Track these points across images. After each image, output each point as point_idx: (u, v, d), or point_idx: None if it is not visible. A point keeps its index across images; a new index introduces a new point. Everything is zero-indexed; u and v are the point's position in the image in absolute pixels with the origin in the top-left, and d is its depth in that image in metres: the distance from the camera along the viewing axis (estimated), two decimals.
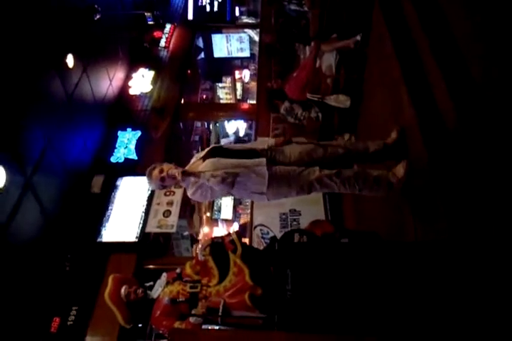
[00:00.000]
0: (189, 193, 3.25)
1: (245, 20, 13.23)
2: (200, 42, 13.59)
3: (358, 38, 5.08)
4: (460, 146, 2.68)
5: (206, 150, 3.37)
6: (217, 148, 3.37)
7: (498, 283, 2.08)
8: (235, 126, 15.10)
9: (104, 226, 7.18)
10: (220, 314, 2.55)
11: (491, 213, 2.25)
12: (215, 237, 3.08)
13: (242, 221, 13.81)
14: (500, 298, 2.05)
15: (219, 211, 14.55)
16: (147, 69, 9.43)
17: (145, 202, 7.45)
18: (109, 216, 7.32)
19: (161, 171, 3.12)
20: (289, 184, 3.16)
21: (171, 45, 10.56)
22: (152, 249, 7.43)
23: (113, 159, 8.07)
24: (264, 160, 3.20)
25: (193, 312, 2.66)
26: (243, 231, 9.09)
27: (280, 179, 3.15)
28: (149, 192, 7.53)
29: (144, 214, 7.31)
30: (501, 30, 2.50)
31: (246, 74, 15.74)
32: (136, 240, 7.02)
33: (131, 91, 9.17)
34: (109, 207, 7.43)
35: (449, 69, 3.01)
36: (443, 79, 3.02)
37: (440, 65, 3.12)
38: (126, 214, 7.34)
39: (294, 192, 3.22)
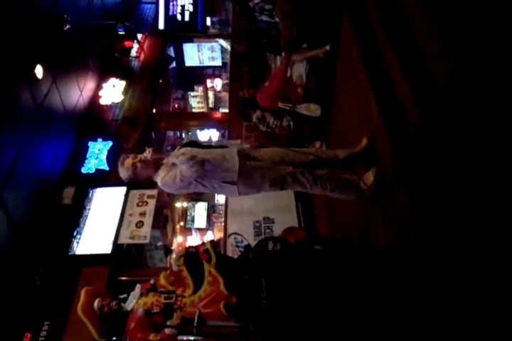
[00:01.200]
0: (159, 179, 3.17)
1: (216, 30, 13.29)
2: (172, 52, 13.57)
3: (328, 47, 5.18)
4: (426, 153, 2.76)
5: (180, 145, 3.47)
6: (191, 143, 3.46)
7: (467, 286, 2.14)
8: (208, 135, 15.10)
9: (77, 239, 7.06)
10: (195, 324, 2.55)
11: (458, 219, 2.32)
12: (190, 247, 3.08)
13: (216, 235, 13.72)
14: (474, 300, 2.11)
15: (192, 221, 14.47)
16: (118, 79, 9.38)
17: (119, 213, 7.35)
18: (81, 228, 7.21)
19: (134, 157, 3.20)
20: (263, 175, 3.19)
21: (142, 55, 10.53)
22: (125, 260, 7.34)
23: (84, 170, 7.97)
24: (235, 149, 3.26)
25: (168, 323, 2.64)
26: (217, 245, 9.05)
27: (253, 169, 3.19)
28: (122, 202, 7.45)
29: (117, 224, 7.23)
30: (468, 45, 2.60)
31: (218, 83, 15.79)
32: (111, 252, 6.92)
33: (102, 102, 9.09)
34: (81, 219, 7.32)
35: (415, 78, 3.10)
36: (410, 91, 3.11)
37: (405, 73, 3.21)
38: (100, 226, 7.24)
39: (267, 185, 3.22)
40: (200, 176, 3.13)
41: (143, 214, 7.34)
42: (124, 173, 3.24)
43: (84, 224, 7.26)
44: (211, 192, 3.33)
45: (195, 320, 2.57)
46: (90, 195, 7.63)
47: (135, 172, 3.20)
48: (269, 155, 3.37)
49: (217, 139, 15.16)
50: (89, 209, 7.46)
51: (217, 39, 13.57)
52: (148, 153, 3.19)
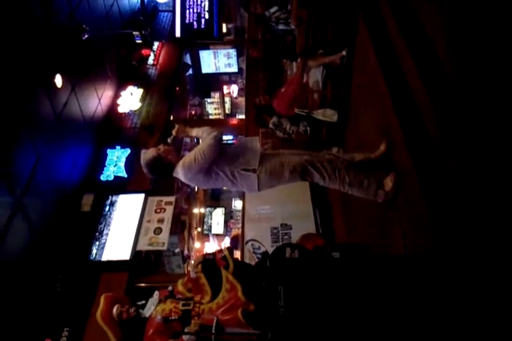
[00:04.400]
0: (180, 165, 3.22)
1: (232, 36, 13.37)
2: (188, 59, 13.68)
3: (344, 52, 5.17)
4: (443, 157, 2.73)
5: None
6: None
7: (486, 296, 2.10)
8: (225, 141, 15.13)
9: (96, 245, 7.13)
10: (213, 331, 2.54)
11: (476, 226, 2.29)
12: (207, 254, 3.09)
13: (233, 233, 13.76)
14: (492, 309, 2.07)
15: (209, 230, 14.52)
16: (136, 87, 9.48)
17: (137, 220, 7.40)
18: (100, 234, 7.27)
19: (158, 150, 3.27)
20: (282, 162, 3.26)
21: (159, 63, 10.64)
22: (143, 266, 7.37)
23: (103, 177, 8.05)
24: (257, 137, 3.50)
25: (186, 330, 2.64)
26: (235, 243, 9.06)
27: (273, 157, 3.30)
28: (141, 209, 7.50)
29: (136, 231, 7.28)
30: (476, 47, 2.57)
31: (234, 89, 15.85)
32: (130, 258, 6.96)
33: (120, 109, 9.19)
34: (101, 226, 7.38)
35: (431, 81, 3.08)
36: (426, 93, 3.09)
37: (422, 77, 3.19)
38: (119, 232, 7.29)
39: (287, 172, 3.25)
40: (220, 163, 3.21)
41: (161, 220, 7.37)
42: (148, 156, 3.29)
43: (103, 231, 7.33)
44: (231, 186, 3.32)
45: (214, 327, 2.56)
46: (109, 201, 7.70)
47: (159, 153, 3.24)
48: (286, 152, 3.47)
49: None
50: (108, 216, 7.53)
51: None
52: (169, 140, 3.36)
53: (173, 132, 3.40)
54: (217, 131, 3.21)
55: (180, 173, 3.26)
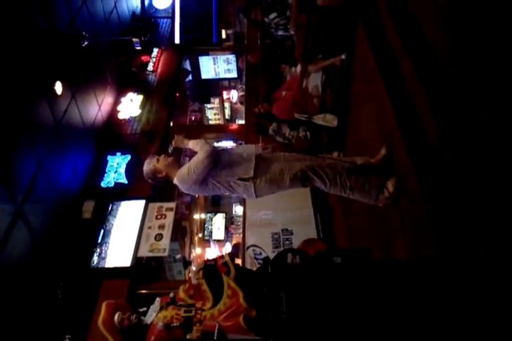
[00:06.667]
0: (178, 174, 3.29)
1: (231, 42, 13.42)
2: (188, 65, 13.71)
3: (343, 56, 5.19)
4: (443, 160, 2.72)
5: None
6: None
7: (489, 302, 2.09)
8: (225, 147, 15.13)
9: (97, 252, 7.11)
10: (215, 338, 2.53)
11: (477, 231, 2.28)
12: (208, 260, 3.08)
13: (235, 240, 13.75)
14: (495, 314, 2.06)
15: (210, 236, 14.49)
16: (135, 94, 9.49)
17: (138, 226, 7.39)
18: (101, 241, 7.25)
19: (157, 161, 3.37)
20: (281, 169, 3.26)
21: (158, 69, 10.67)
22: (144, 273, 7.35)
23: (103, 184, 8.03)
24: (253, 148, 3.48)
25: (187, 337, 2.63)
26: (236, 250, 9.05)
27: (271, 163, 3.30)
28: (142, 215, 7.49)
29: (137, 237, 7.26)
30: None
31: (234, 94, 15.88)
32: (131, 265, 6.93)
33: (120, 116, 9.19)
34: (102, 232, 7.37)
35: (431, 86, 3.08)
36: (426, 96, 3.09)
37: (422, 80, 3.20)
38: (120, 239, 7.27)
39: (288, 179, 3.25)
40: (215, 175, 3.23)
41: (162, 227, 7.35)
42: (148, 167, 3.39)
43: (104, 238, 7.31)
44: (229, 193, 3.38)
45: (215, 334, 2.55)
46: (110, 208, 7.68)
47: (156, 167, 3.34)
48: (286, 156, 3.45)
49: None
50: (109, 222, 7.51)
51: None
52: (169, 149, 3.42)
53: (173, 142, 3.52)
54: (209, 146, 3.27)
55: (177, 184, 3.34)
